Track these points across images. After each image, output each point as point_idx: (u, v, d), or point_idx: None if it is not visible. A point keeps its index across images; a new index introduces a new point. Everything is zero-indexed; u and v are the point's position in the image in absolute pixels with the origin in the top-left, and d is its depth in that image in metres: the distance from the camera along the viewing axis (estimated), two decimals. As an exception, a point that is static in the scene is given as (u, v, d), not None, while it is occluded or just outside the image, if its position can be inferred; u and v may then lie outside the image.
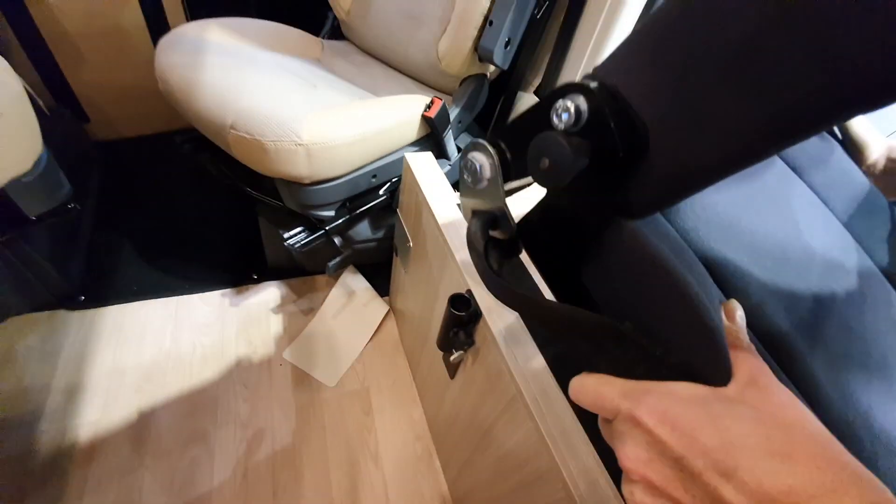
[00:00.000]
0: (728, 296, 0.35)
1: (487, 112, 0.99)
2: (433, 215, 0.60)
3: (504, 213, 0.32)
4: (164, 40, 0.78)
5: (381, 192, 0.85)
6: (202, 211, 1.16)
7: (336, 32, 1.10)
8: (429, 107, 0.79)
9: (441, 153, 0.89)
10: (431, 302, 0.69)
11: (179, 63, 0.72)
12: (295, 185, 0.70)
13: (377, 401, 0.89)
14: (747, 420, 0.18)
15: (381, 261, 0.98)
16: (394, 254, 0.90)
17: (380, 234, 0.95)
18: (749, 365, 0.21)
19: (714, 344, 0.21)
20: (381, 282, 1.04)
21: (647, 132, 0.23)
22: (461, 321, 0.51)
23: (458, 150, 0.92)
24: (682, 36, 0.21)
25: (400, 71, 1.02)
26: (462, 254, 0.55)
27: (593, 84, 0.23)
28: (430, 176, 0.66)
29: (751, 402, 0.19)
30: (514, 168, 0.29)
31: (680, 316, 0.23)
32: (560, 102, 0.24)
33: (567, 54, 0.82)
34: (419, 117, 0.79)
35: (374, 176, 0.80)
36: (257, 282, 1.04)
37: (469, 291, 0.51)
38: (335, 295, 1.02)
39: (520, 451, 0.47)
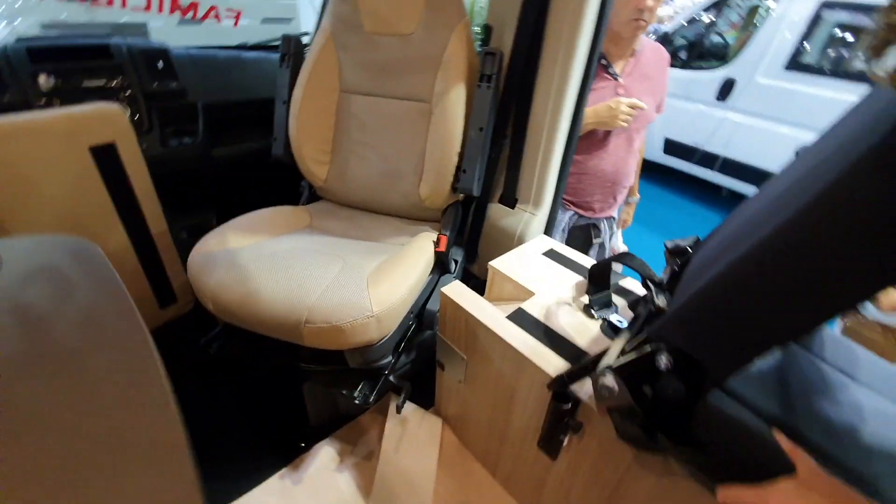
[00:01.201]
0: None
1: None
2: (492, 331, 0.74)
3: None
4: (195, 261, 0.86)
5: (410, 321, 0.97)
6: (217, 402, 1.14)
7: (313, 196, 1.26)
8: (437, 243, 0.97)
9: (445, 270, 1.06)
10: (506, 402, 0.80)
11: (227, 280, 0.80)
12: (364, 348, 0.80)
13: (472, 514, 0.93)
14: (817, 491, 0.35)
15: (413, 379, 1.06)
16: (438, 367, 1.00)
17: (413, 356, 1.06)
18: (802, 460, 0.38)
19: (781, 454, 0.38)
20: (421, 398, 1.11)
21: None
22: (566, 413, 0.64)
23: (455, 262, 1.10)
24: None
25: (382, 214, 1.19)
26: (536, 356, 0.69)
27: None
28: (470, 300, 0.81)
29: (812, 481, 0.36)
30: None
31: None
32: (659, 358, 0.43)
33: (520, 171, 1.08)
34: (432, 253, 0.95)
35: (411, 312, 0.92)
36: (307, 448, 1.04)
37: (563, 381, 0.64)
38: (390, 428, 1.06)
39: (653, 491, 0.59)
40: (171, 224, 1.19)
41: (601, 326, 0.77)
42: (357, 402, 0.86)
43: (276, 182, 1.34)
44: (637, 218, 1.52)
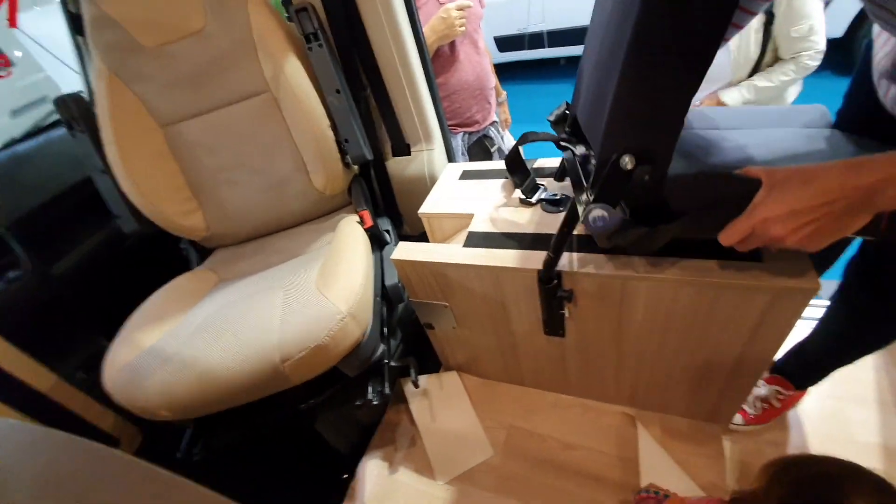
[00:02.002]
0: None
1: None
2: (459, 265, 0.75)
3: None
4: (117, 381, 0.71)
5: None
6: (236, 490, 1.02)
7: (203, 252, 1.10)
8: (362, 221, 0.92)
9: (383, 243, 1.02)
10: (502, 317, 0.84)
11: (169, 376, 0.68)
12: (354, 351, 0.76)
13: (529, 423, 0.99)
14: (792, 181, 0.41)
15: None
16: (427, 329, 1.00)
17: (399, 335, 1.04)
18: (763, 170, 0.44)
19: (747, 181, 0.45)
20: (423, 364, 1.11)
21: None
22: (556, 289, 0.69)
23: (387, 232, 1.07)
24: None
25: (289, 227, 1.09)
26: (507, 261, 0.72)
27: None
28: (424, 251, 0.80)
29: (777, 181, 0.43)
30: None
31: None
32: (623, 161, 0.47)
33: (398, 116, 1.05)
34: (363, 232, 0.91)
35: (376, 295, 0.88)
36: (351, 477, 0.99)
37: (542, 270, 0.68)
38: (416, 409, 1.06)
39: (651, 307, 0.67)
40: (59, 370, 0.97)
41: (542, 207, 0.81)
42: (375, 402, 0.83)
43: (151, 262, 1.14)
44: (512, 116, 1.60)
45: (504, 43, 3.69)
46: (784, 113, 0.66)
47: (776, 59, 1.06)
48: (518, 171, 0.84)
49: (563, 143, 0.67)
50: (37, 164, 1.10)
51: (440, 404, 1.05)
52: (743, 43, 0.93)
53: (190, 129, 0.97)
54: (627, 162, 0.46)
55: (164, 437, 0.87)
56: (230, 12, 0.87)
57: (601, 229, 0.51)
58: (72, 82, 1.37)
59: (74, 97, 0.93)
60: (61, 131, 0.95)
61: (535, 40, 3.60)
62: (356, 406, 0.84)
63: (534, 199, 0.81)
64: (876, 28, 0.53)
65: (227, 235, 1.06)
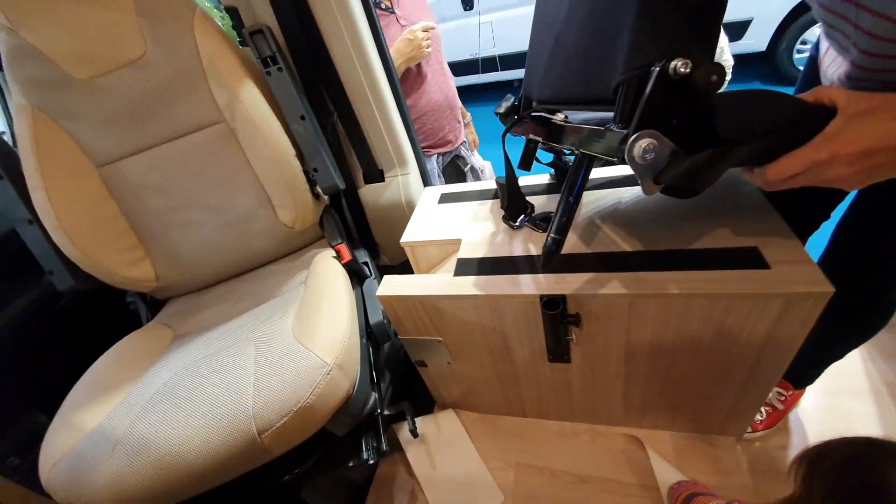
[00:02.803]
0: None
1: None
2: (452, 296, 0.69)
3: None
4: (57, 475, 0.58)
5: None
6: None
7: (155, 305, 0.96)
8: (338, 256, 0.84)
9: (363, 278, 0.94)
10: (503, 347, 0.77)
11: (121, 465, 0.56)
12: (344, 405, 0.66)
13: (537, 458, 0.91)
14: (871, 115, 0.37)
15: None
16: (419, 367, 0.92)
17: (388, 377, 0.95)
18: (840, 94, 0.39)
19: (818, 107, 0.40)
20: (415, 402, 1.02)
21: None
22: (562, 314, 0.63)
23: (367, 264, 0.99)
24: None
25: (255, 268, 0.98)
26: (505, 289, 0.66)
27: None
28: (412, 285, 0.73)
29: (861, 107, 0.37)
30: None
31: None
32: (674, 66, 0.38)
33: (368, 141, 0.98)
34: (341, 268, 0.82)
35: (361, 337, 0.80)
36: (347, 543, 0.88)
37: (545, 296, 0.63)
38: (413, 457, 0.96)
39: (661, 323, 0.63)
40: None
41: (534, 226, 0.77)
42: (372, 461, 0.73)
43: (93, 321, 0.99)
44: (483, 139, 1.59)
45: (457, 68, 3.78)
46: None
47: None
48: (512, 198, 0.78)
49: (543, 116, 0.63)
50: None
51: (439, 449, 0.96)
52: None
53: (131, 167, 0.86)
54: (679, 66, 0.37)
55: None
56: (174, 38, 0.78)
57: (651, 164, 0.41)
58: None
59: None
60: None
61: (489, 64, 3.72)
62: (349, 467, 0.74)
63: (517, 223, 0.76)
64: (822, 41, 0.54)
65: (182, 284, 0.94)
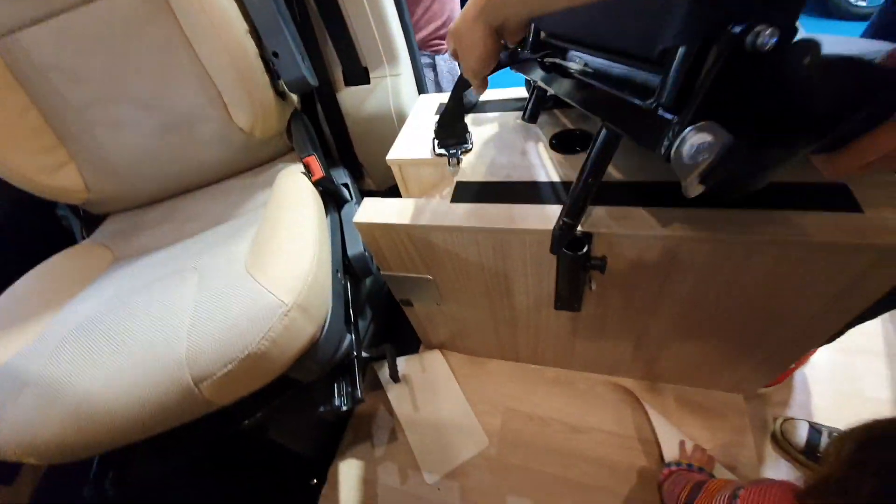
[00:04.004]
0: None
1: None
2: (448, 227, 0.55)
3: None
4: None
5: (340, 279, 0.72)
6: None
7: (90, 220, 0.81)
8: (308, 171, 0.68)
9: (341, 201, 0.79)
10: (502, 290, 0.66)
11: (28, 412, 0.46)
12: (308, 353, 0.55)
13: (528, 405, 0.85)
14: None
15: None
16: (404, 307, 0.81)
17: (370, 314, 0.84)
18: None
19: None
20: (400, 341, 0.94)
21: None
22: (583, 258, 0.51)
23: (346, 186, 0.83)
24: None
25: (208, 184, 0.82)
26: (514, 221, 0.53)
27: None
28: (399, 211, 0.59)
29: None
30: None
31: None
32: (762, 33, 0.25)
33: (350, 30, 0.77)
34: (311, 187, 0.67)
35: (336, 270, 0.67)
36: (322, 482, 0.83)
37: (569, 226, 0.49)
38: (394, 397, 0.89)
39: (707, 275, 0.51)
40: None
41: (552, 146, 0.61)
42: (346, 407, 0.64)
43: (18, 240, 0.84)
44: None
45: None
46: None
47: None
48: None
49: (556, 62, 0.45)
50: None
51: (423, 390, 0.89)
52: None
53: (35, 41, 0.65)
54: (765, 35, 0.25)
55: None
56: None
57: (705, 163, 0.30)
58: None
59: None
60: None
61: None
62: (321, 410, 0.65)
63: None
64: None
65: (118, 197, 0.78)
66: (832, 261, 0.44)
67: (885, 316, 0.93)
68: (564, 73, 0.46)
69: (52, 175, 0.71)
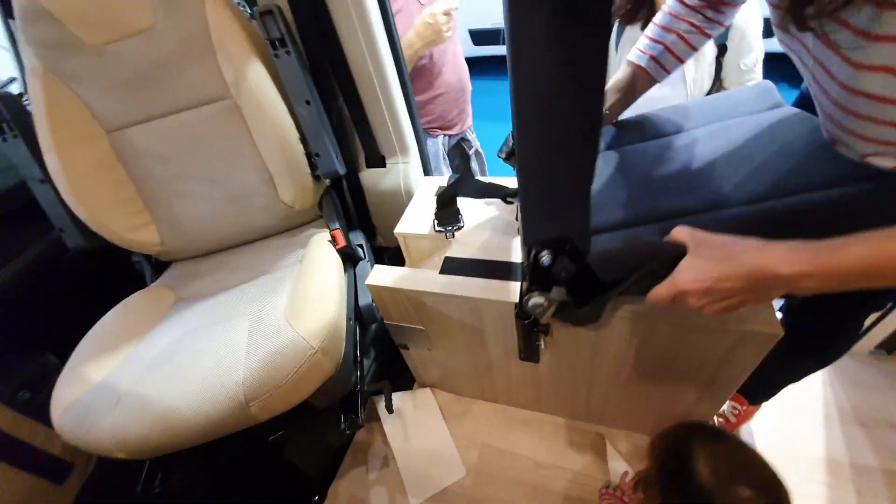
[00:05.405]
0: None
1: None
2: (435, 294, 0.73)
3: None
4: (67, 421, 0.65)
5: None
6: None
7: (159, 266, 1.02)
8: (334, 241, 0.88)
9: (356, 260, 0.98)
10: (479, 342, 0.83)
11: (123, 417, 0.63)
12: (327, 382, 0.72)
13: (502, 442, 0.99)
14: (713, 257, 0.42)
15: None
16: (402, 350, 0.98)
17: (373, 354, 1.01)
18: (689, 235, 0.45)
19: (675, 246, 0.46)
20: (398, 378, 1.10)
21: None
22: (532, 324, 0.68)
23: (361, 247, 1.03)
24: None
25: (253, 241, 1.03)
26: (485, 293, 0.71)
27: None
28: (399, 278, 0.77)
29: (699, 251, 0.44)
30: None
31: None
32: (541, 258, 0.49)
33: (372, 127, 1.00)
34: (335, 253, 0.87)
35: (349, 319, 0.85)
36: (322, 499, 0.97)
37: (517, 306, 0.67)
38: (389, 428, 1.04)
39: (625, 340, 0.68)
40: (1, 393, 0.88)
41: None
42: (347, 432, 0.80)
43: (102, 275, 1.05)
44: (482, 115, 1.57)
45: (480, 36, 3.60)
46: (730, 100, 0.68)
47: (720, 90, 1.09)
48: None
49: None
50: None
51: (414, 423, 1.04)
52: (698, 77, 0.96)
53: (139, 136, 0.88)
54: (545, 258, 0.49)
55: (121, 462, 0.81)
56: (183, 10, 0.78)
57: (542, 314, 0.53)
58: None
59: (4, 97, 0.82)
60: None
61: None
62: (327, 434, 0.81)
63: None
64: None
65: (184, 250, 0.99)
66: (708, 338, 0.61)
67: (826, 380, 1.06)
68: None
69: (137, 232, 0.93)
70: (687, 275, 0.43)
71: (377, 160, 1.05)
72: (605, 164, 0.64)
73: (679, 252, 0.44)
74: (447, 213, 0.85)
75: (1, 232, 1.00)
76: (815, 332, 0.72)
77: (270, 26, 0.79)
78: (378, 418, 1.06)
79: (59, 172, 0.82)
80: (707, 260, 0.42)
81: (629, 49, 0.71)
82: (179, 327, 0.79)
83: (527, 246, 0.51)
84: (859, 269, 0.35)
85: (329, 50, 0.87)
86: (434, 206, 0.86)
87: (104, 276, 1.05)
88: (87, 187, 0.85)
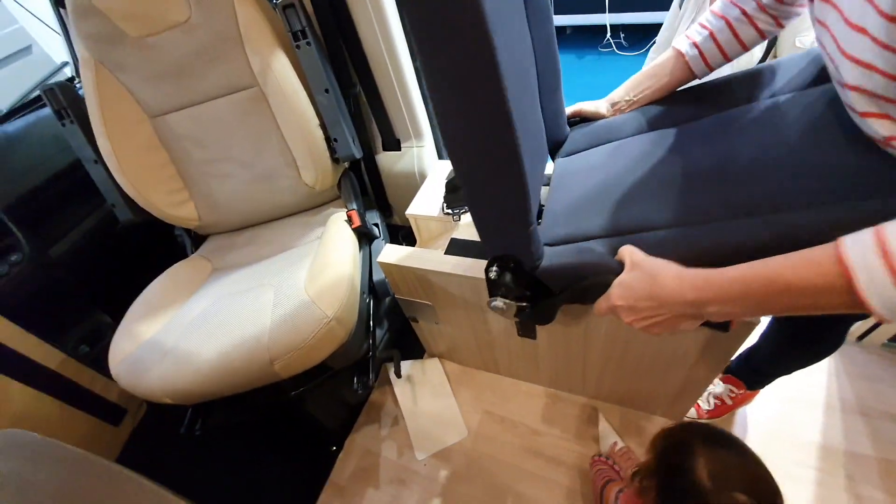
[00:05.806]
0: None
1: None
2: (440, 273, 0.79)
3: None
4: (123, 372, 0.78)
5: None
6: (235, 464, 1.12)
7: (198, 238, 1.13)
8: (350, 220, 0.95)
9: (371, 238, 1.06)
10: (481, 319, 0.89)
11: (169, 369, 0.75)
12: (340, 350, 0.81)
13: (502, 410, 1.08)
14: (638, 278, 0.46)
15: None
16: (412, 322, 1.06)
17: (385, 325, 1.10)
18: (629, 255, 0.48)
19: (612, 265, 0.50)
20: (409, 348, 1.19)
21: None
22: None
23: (377, 226, 1.10)
24: None
25: (279, 218, 1.12)
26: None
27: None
28: (408, 257, 0.84)
29: (631, 271, 0.47)
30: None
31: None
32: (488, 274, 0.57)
33: (388, 112, 1.05)
34: (351, 232, 0.94)
35: (362, 293, 0.93)
36: (339, 449, 1.09)
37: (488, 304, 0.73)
38: (400, 392, 1.14)
39: (613, 325, 0.73)
40: (64, 347, 1.03)
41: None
42: (360, 392, 0.90)
43: (149, 245, 1.18)
44: None
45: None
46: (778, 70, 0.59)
47: None
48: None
49: None
50: (26, 145, 1.10)
51: (422, 388, 1.14)
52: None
53: (177, 121, 0.97)
54: (492, 273, 0.55)
55: (167, 408, 0.95)
56: (215, 5, 0.85)
57: (503, 315, 0.60)
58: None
59: (62, 86, 0.92)
60: (47, 113, 0.95)
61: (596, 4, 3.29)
62: (343, 391, 0.91)
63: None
64: None
65: (219, 225, 1.09)
66: (677, 339, 0.65)
67: (832, 369, 1.07)
68: None
69: (178, 208, 1.03)
70: (616, 290, 0.47)
71: (393, 144, 1.11)
72: (607, 158, 0.67)
73: (619, 270, 0.48)
74: (455, 198, 0.90)
75: (61, 207, 1.13)
76: (803, 328, 0.73)
77: (292, 19, 0.84)
78: (391, 382, 1.16)
79: (111, 154, 0.92)
80: (632, 280, 0.46)
81: (693, 5, 0.65)
82: (215, 293, 0.89)
83: (485, 259, 0.58)
84: (737, 292, 0.37)
85: (346, 39, 0.92)
86: (441, 188, 0.92)
87: (150, 247, 1.18)
88: (135, 168, 0.95)
